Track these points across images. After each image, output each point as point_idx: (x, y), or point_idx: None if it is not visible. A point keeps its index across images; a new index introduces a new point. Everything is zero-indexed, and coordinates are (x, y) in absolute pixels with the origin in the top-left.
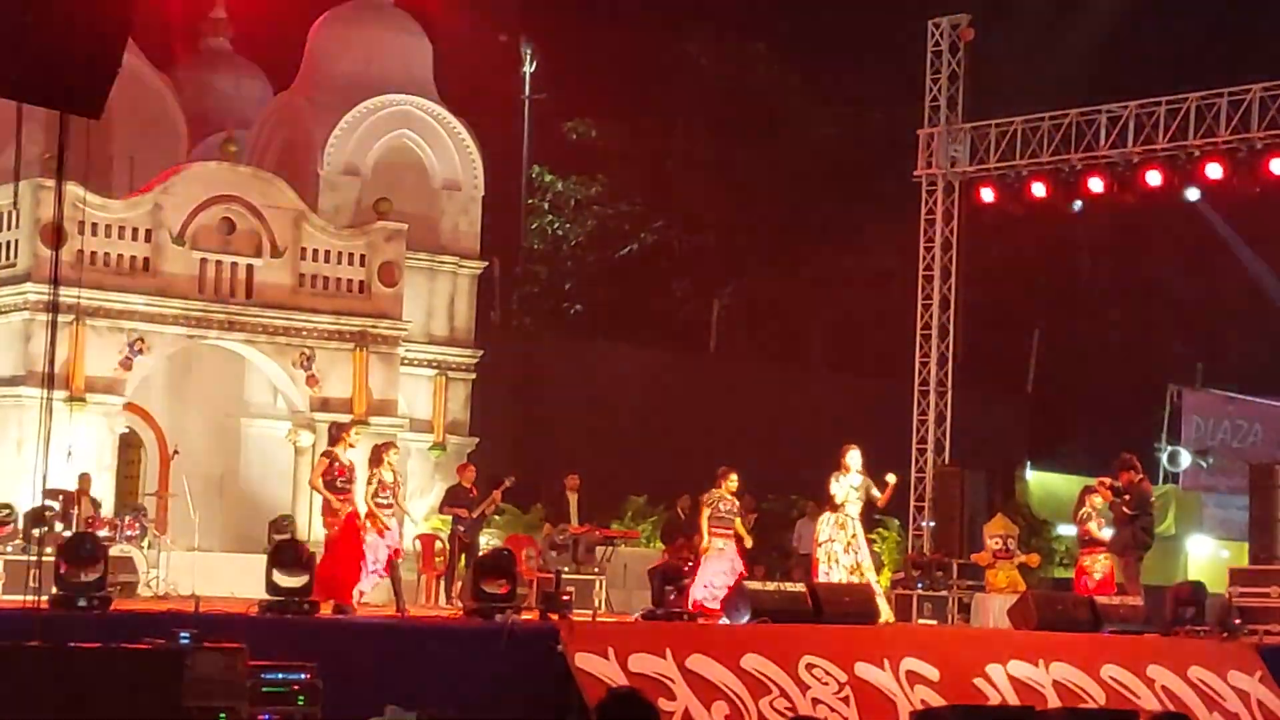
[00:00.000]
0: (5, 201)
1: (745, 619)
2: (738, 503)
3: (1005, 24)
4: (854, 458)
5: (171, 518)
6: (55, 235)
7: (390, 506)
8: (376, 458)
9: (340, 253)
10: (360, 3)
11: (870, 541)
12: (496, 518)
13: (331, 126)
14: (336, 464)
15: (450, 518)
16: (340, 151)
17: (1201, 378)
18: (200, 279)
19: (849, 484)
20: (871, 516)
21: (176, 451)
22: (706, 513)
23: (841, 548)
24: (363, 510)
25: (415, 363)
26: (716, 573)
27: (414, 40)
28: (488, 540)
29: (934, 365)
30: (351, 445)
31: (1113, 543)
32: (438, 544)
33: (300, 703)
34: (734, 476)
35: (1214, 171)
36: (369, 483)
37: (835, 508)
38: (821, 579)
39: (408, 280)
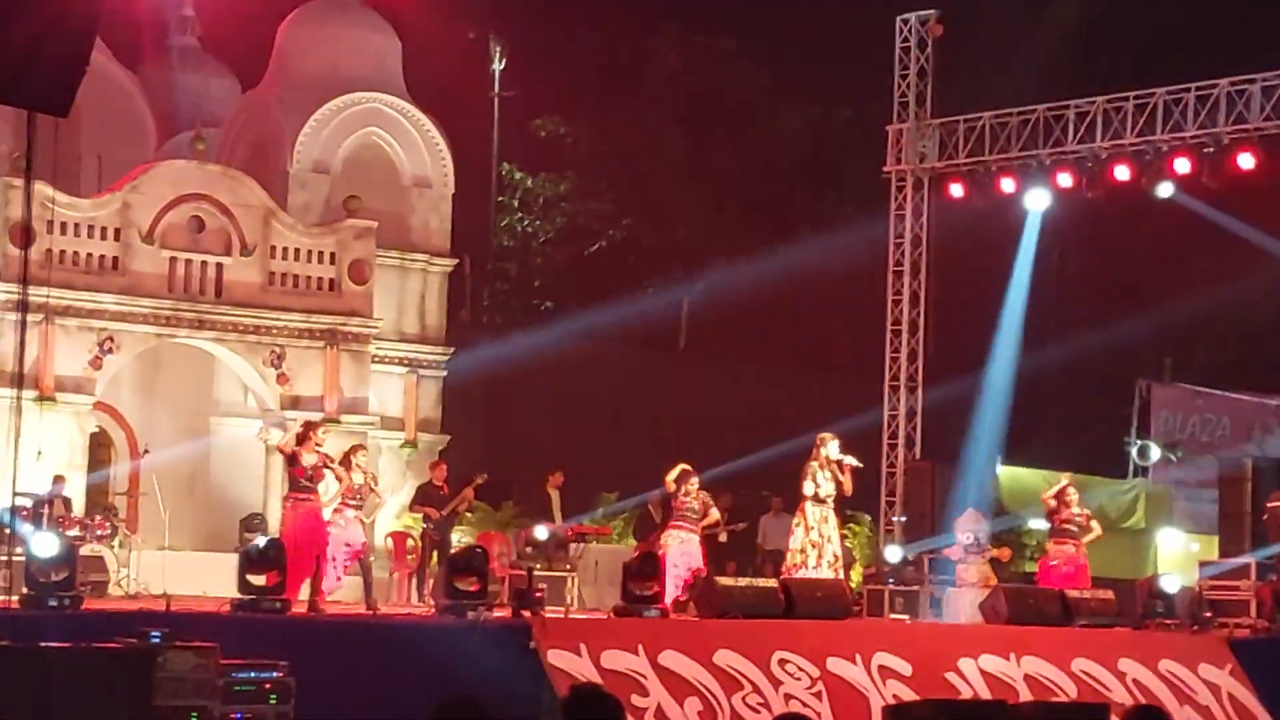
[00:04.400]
0: None
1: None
2: (703, 499)
3: (974, 20)
4: (832, 448)
5: (142, 517)
6: (24, 234)
7: (359, 508)
8: (345, 462)
9: (310, 250)
10: (329, 0)
11: (842, 537)
12: (469, 515)
13: (300, 124)
14: (297, 466)
15: (421, 515)
16: (309, 149)
17: (1170, 372)
18: (170, 278)
19: (825, 475)
20: (843, 512)
21: (147, 450)
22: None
23: (826, 542)
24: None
25: (386, 360)
26: (671, 565)
27: (383, 38)
28: (459, 538)
29: (904, 360)
30: (319, 445)
31: None
32: (409, 541)
33: (272, 701)
34: (694, 479)
35: (1182, 166)
36: (339, 481)
37: (818, 501)
38: (805, 573)
39: (378, 278)
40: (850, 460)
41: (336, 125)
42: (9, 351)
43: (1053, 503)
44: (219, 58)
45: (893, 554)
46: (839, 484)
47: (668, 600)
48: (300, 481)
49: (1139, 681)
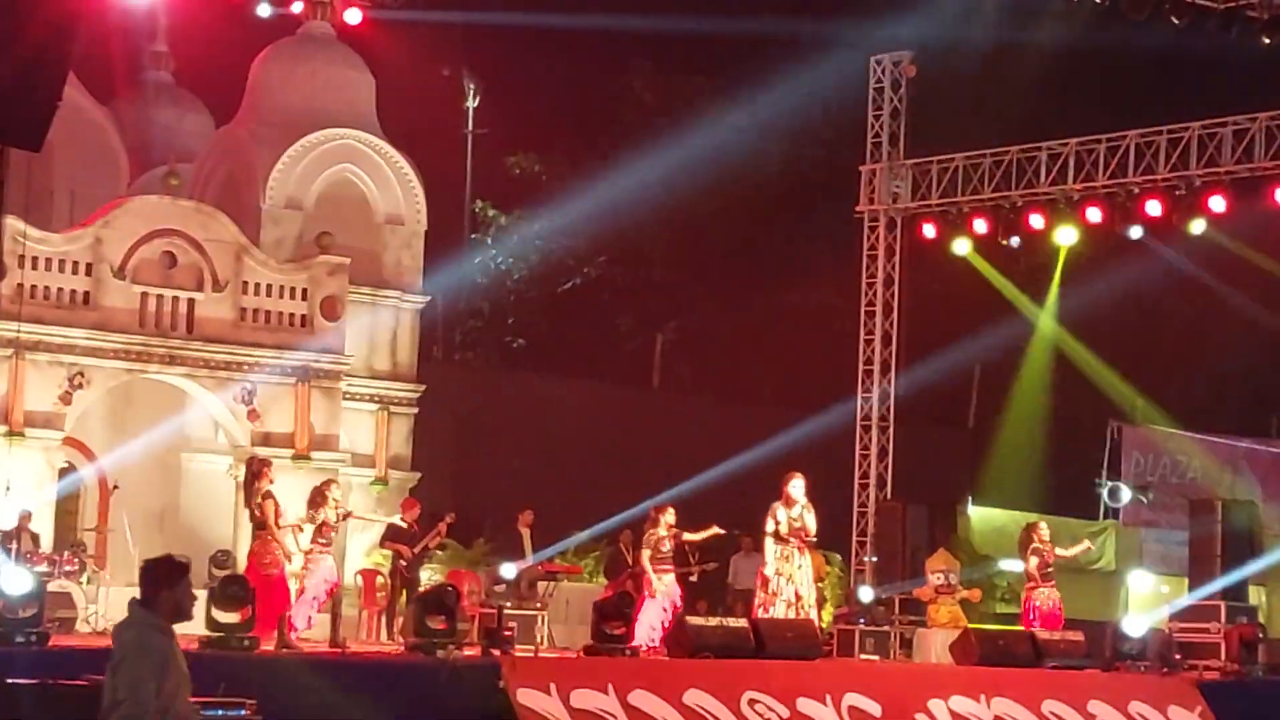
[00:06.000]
0: None
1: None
2: (677, 535)
3: (947, 61)
4: (796, 487)
5: (111, 553)
6: None
7: (330, 544)
8: (320, 497)
9: (282, 287)
10: (303, 37)
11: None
12: (439, 553)
13: (274, 160)
14: (273, 501)
15: (390, 553)
16: (283, 185)
17: (1141, 414)
18: (141, 313)
19: (790, 514)
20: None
21: (116, 486)
22: (647, 554)
23: (785, 580)
24: (295, 551)
25: (357, 397)
26: (658, 613)
27: (356, 74)
28: (429, 576)
29: (876, 400)
30: (271, 481)
31: None
32: (379, 579)
33: None
34: (670, 511)
35: (1153, 209)
36: (312, 522)
37: (779, 539)
38: (763, 613)
39: (350, 314)
40: (804, 502)
41: (310, 162)
42: None
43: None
44: (193, 93)
45: (865, 594)
46: (804, 523)
47: (646, 639)
48: (267, 519)
49: None
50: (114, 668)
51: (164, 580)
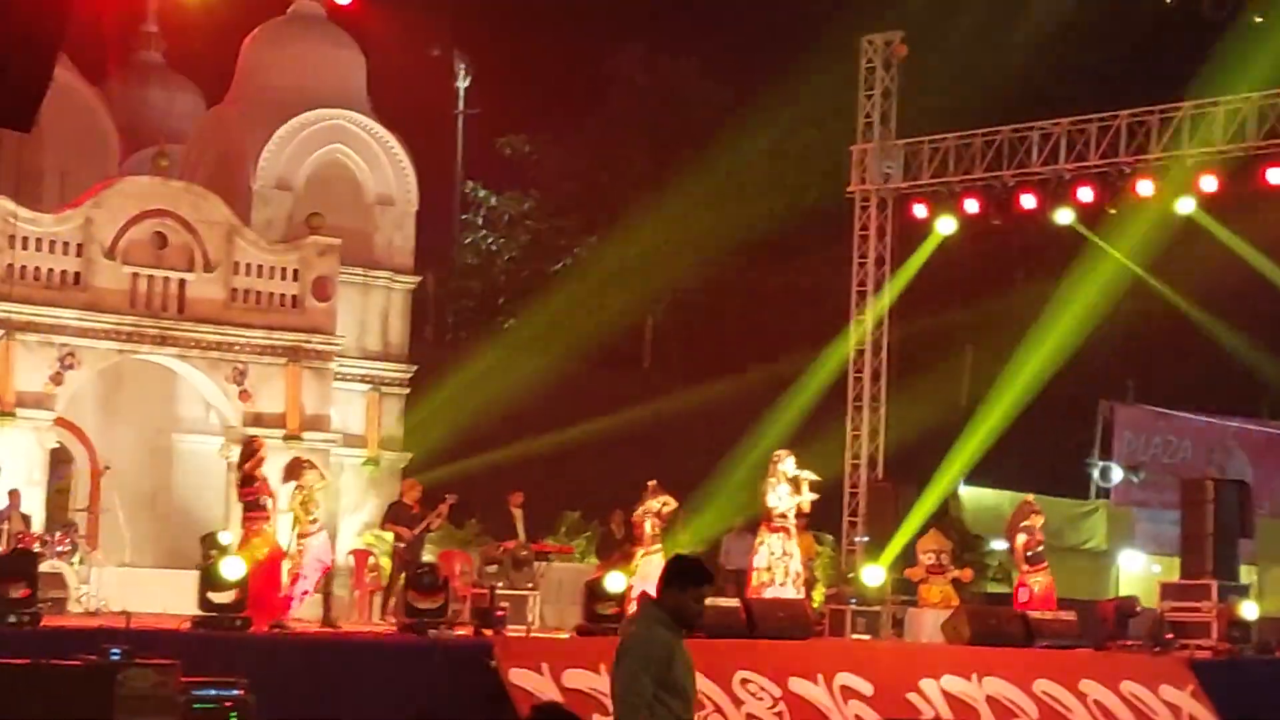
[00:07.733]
0: None
1: None
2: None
3: (939, 41)
4: (787, 465)
5: (103, 533)
6: None
7: (317, 521)
8: (298, 473)
9: (273, 267)
10: (293, 17)
11: (814, 555)
12: (432, 534)
13: (264, 141)
14: (257, 484)
15: (388, 534)
16: (273, 166)
17: (1133, 394)
18: (132, 293)
19: (784, 492)
20: (809, 528)
21: (107, 467)
22: (649, 517)
23: (790, 559)
24: (290, 532)
25: (348, 378)
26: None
27: (347, 54)
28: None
29: (867, 380)
30: (262, 460)
31: None
32: (370, 559)
33: (232, 718)
34: (665, 498)
35: (1145, 188)
36: (301, 501)
37: (778, 517)
38: (770, 592)
39: (341, 295)
40: (807, 474)
41: (300, 142)
42: None
43: (1023, 535)
44: (183, 73)
45: (871, 576)
46: (798, 500)
47: None
48: (259, 500)
49: (1100, 703)
50: (617, 660)
51: (678, 581)
